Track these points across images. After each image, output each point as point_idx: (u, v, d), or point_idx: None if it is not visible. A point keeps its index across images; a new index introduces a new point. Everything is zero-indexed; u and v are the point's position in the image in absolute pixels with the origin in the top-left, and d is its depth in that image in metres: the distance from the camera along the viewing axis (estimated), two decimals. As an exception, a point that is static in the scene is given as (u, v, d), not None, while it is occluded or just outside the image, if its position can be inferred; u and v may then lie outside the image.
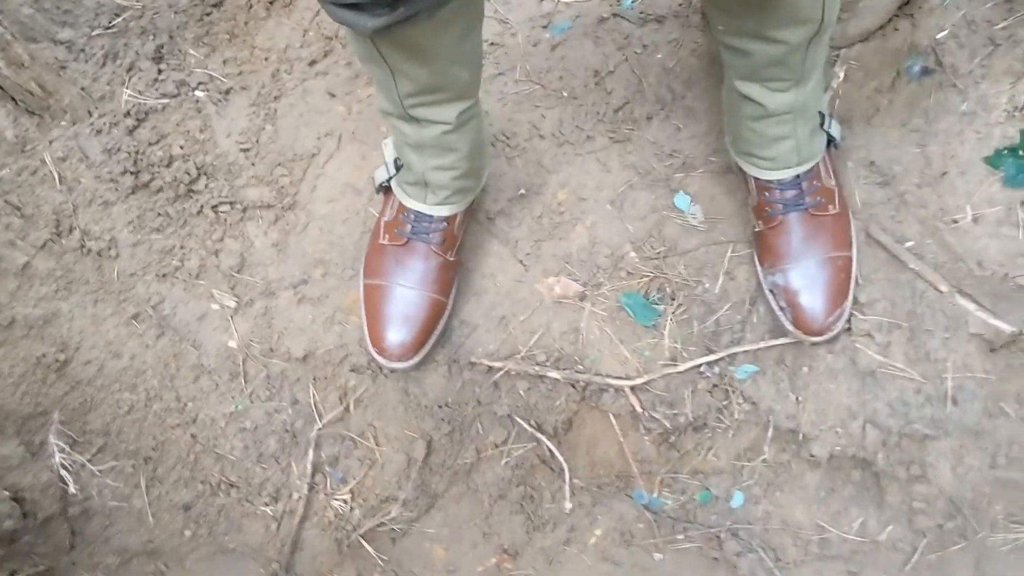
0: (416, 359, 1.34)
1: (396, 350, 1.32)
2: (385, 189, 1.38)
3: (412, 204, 1.31)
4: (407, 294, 1.32)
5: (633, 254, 1.40)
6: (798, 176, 1.27)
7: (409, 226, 1.32)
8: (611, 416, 1.36)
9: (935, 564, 1.32)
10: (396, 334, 1.32)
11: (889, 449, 1.31)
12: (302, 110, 1.50)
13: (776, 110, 1.18)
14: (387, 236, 1.34)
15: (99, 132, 1.40)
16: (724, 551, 1.35)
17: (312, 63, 1.52)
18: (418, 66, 1.05)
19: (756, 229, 1.33)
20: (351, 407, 1.39)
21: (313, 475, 1.38)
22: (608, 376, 1.36)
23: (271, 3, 1.58)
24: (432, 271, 1.33)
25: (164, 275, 1.40)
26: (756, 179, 1.29)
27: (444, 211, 1.31)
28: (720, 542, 1.36)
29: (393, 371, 1.37)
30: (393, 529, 1.38)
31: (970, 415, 1.30)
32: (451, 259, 1.35)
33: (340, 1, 0.88)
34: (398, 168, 1.32)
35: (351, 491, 1.38)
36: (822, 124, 1.27)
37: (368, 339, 1.34)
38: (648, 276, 1.39)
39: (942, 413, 1.30)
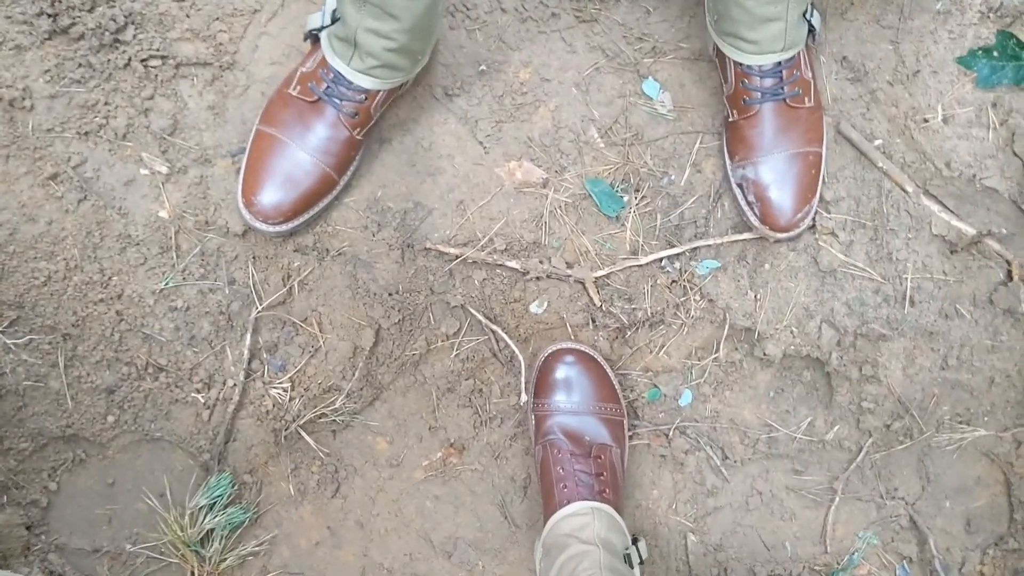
0: (284, 227, 1.24)
1: (266, 210, 1.22)
2: (313, 39, 1.25)
3: (335, 62, 1.19)
4: (299, 156, 1.22)
5: (599, 140, 1.34)
6: (779, 63, 1.22)
7: (325, 85, 1.21)
8: (566, 310, 1.31)
9: (879, 463, 1.34)
10: (273, 194, 1.22)
11: (843, 349, 1.32)
12: (242, -39, 1.34)
13: None
14: (298, 87, 1.22)
15: (8, -36, 1.22)
16: (672, 448, 1.34)
17: (252, -92, 1.36)
18: None
19: (729, 119, 1.28)
20: (295, 290, 1.28)
21: (250, 362, 1.28)
22: (568, 267, 1.30)
23: None
24: (334, 143, 1.23)
25: (86, 133, 1.24)
26: (737, 64, 1.23)
27: (366, 82, 1.19)
28: (668, 439, 1.34)
29: (256, 231, 1.25)
30: (335, 421, 1.30)
31: (926, 316, 1.31)
32: (358, 137, 1.24)
33: None
34: (334, 21, 1.20)
35: (291, 380, 1.29)
36: (806, 12, 1.22)
37: (240, 190, 1.23)
38: (614, 164, 1.32)
39: (899, 313, 1.31)
